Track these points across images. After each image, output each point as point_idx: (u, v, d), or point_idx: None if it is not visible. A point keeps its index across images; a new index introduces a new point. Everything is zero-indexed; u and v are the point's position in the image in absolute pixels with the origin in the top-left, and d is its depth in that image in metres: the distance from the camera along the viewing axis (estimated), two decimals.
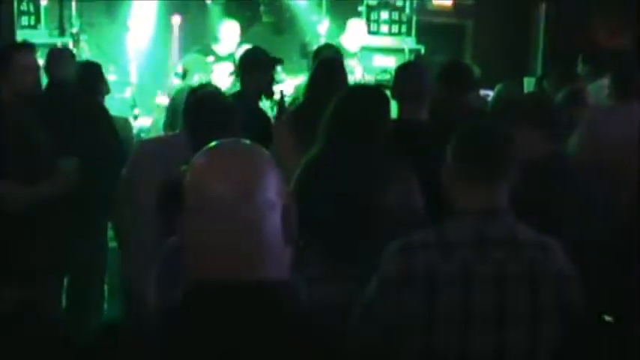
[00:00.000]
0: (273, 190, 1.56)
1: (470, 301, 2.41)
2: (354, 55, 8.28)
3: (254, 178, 1.55)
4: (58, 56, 5.42)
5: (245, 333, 1.48)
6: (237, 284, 1.51)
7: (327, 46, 6.62)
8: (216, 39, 7.86)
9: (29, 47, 4.51)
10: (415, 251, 2.46)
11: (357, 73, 7.97)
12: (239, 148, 1.65)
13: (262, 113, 5.41)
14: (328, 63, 5.01)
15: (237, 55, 7.82)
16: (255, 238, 1.54)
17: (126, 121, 5.60)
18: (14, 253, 4.19)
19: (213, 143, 1.65)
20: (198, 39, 8.69)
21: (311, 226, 2.75)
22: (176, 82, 6.97)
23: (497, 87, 5.84)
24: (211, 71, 6.88)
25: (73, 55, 5.85)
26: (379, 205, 3.29)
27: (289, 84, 7.60)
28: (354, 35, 8.50)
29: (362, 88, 4.06)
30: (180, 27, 9.22)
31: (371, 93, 3.77)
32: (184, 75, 6.78)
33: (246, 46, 6.83)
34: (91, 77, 5.49)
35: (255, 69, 5.34)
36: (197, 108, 3.73)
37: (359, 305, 2.56)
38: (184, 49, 8.04)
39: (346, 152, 3.39)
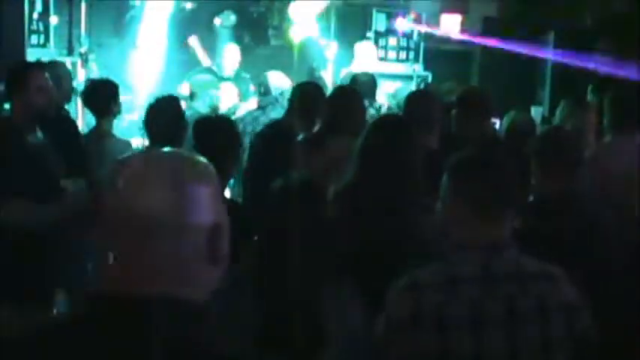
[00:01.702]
0: (201, 207, 1.49)
1: (481, 338, 2.37)
2: None
3: (179, 194, 1.48)
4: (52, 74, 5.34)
5: (131, 348, 1.44)
6: (137, 299, 1.46)
7: (364, 74, 6.81)
8: (218, 62, 7.97)
9: (42, 67, 4.52)
10: (422, 290, 2.41)
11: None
12: (170, 158, 1.56)
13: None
14: (343, 91, 5.02)
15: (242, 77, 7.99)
16: (170, 256, 1.47)
17: (128, 144, 5.58)
18: (26, 272, 4.19)
19: (145, 150, 1.57)
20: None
21: (343, 260, 2.73)
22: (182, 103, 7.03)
23: (507, 116, 5.83)
24: (218, 89, 6.92)
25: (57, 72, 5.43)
26: (412, 237, 3.26)
27: None
28: (363, 59, 8.54)
29: (390, 119, 4.03)
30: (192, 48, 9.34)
31: (399, 123, 3.75)
32: (192, 96, 6.80)
33: (276, 72, 6.83)
34: (102, 96, 5.46)
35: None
36: (202, 134, 3.75)
37: (371, 342, 2.53)
38: (191, 70, 8.09)
39: (378, 184, 3.38)
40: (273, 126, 5.45)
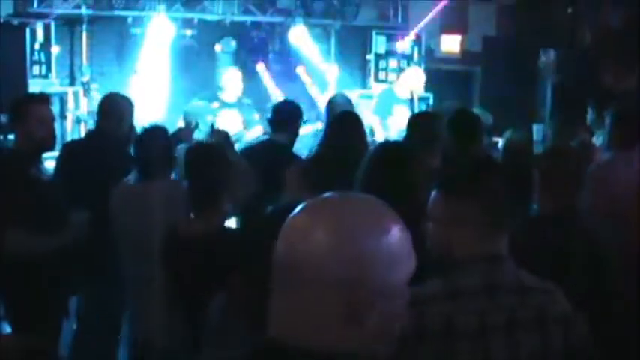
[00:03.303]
0: (385, 269, 1.38)
1: (484, 349, 2.37)
2: (404, 101, 8.35)
3: (361, 261, 1.36)
4: (103, 106, 5.31)
5: None
6: (307, 352, 1.38)
7: (340, 95, 6.72)
8: (220, 87, 7.95)
9: (45, 99, 4.53)
10: (427, 304, 2.39)
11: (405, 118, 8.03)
12: (348, 215, 1.41)
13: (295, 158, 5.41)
14: (344, 117, 5.01)
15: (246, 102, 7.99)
16: (351, 326, 1.37)
17: None
18: (25, 301, 4.20)
19: (316, 200, 1.46)
20: (208, 87, 8.77)
21: None
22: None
23: (506, 134, 5.85)
24: (215, 116, 6.90)
25: (118, 105, 5.31)
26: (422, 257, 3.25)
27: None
28: (406, 82, 8.63)
29: (392, 145, 4.01)
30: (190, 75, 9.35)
31: (402, 151, 3.73)
32: (187, 125, 6.79)
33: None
34: None
35: (290, 122, 5.46)
36: (193, 164, 3.76)
37: None
38: (193, 97, 8.08)
39: None
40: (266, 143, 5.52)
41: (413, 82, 8.66)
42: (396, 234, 1.42)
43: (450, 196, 2.51)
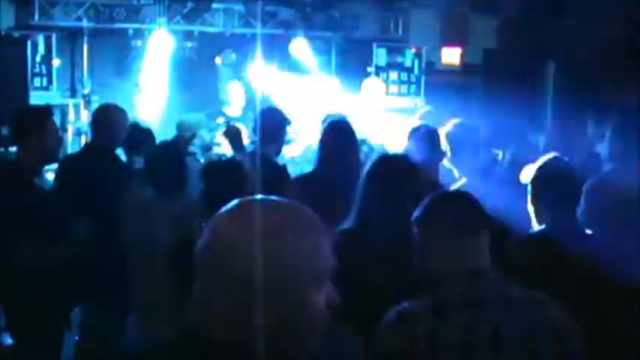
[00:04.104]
0: (308, 267, 1.47)
1: None
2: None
3: (270, 257, 1.44)
4: (100, 117, 5.29)
5: None
6: (213, 340, 1.45)
7: (336, 116, 6.69)
8: (225, 102, 7.96)
9: (52, 112, 4.56)
10: (413, 320, 2.41)
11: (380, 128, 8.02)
12: (270, 213, 1.52)
13: (284, 171, 5.44)
14: (337, 127, 5.01)
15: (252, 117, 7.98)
16: (257, 317, 1.44)
17: None
18: (27, 312, 4.20)
19: (239, 201, 1.55)
20: (208, 99, 8.78)
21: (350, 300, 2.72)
22: None
23: (510, 148, 5.84)
24: (211, 129, 6.90)
25: (115, 115, 5.26)
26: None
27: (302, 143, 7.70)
28: (370, 95, 8.59)
29: (393, 159, 4.01)
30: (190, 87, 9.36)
31: (402, 162, 3.73)
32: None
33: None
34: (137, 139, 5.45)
35: (278, 132, 5.45)
36: (210, 175, 3.77)
37: None
38: (193, 110, 8.09)
39: (382, 226, 3.36)
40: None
41: (372, 92, 8.63)
42: (307, 235, 1.51)
43: (429, 210, 2.55)
